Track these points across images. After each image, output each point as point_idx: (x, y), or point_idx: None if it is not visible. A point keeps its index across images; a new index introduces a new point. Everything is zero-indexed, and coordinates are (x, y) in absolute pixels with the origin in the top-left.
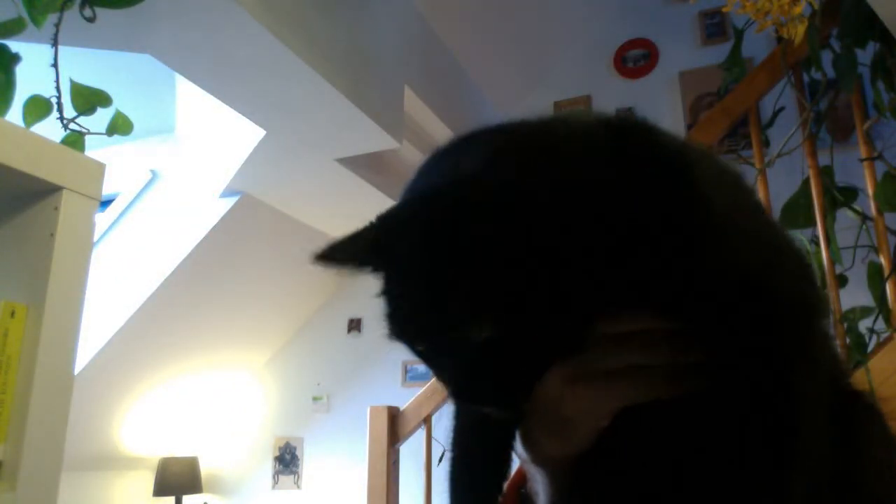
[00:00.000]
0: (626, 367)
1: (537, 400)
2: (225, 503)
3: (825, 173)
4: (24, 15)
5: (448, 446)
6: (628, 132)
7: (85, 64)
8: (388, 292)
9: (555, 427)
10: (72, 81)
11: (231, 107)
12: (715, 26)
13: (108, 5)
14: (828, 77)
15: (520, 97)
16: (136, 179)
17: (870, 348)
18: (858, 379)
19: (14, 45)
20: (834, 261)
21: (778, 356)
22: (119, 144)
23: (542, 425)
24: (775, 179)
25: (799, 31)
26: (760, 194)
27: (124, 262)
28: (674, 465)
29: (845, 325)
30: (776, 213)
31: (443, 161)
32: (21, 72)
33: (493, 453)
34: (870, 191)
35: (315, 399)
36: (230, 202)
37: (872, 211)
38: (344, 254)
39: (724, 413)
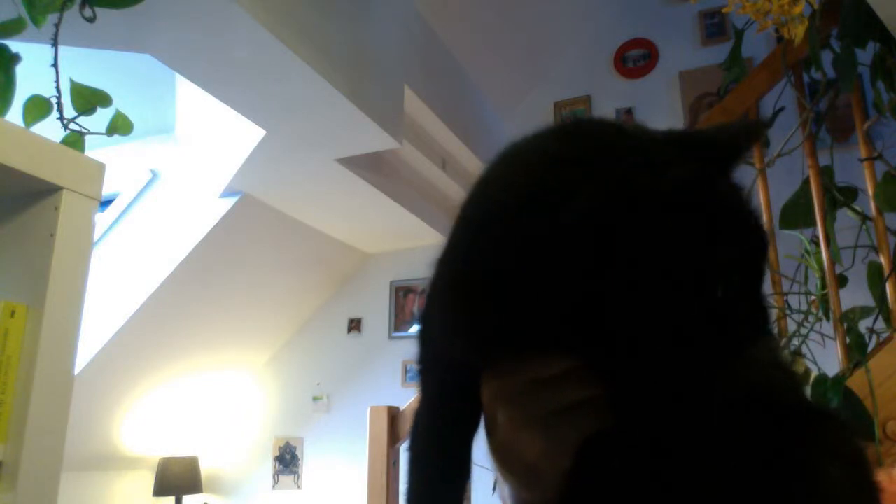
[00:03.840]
0: (564, 406)
1: (504, 452)
2: (225, 503)
3: (825, 173)
4: (24, 15)
5: (407, 463)
6: None
7: (85, 64)
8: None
9: (524, 476)
10: (72, 81)
11: (231, 107)
12: (715, 26)
13: (108, 5)
14: (828, 77)
15: (520, 97)
16: (136, 179)
17: (870, 348)
18: (858, 379)
19: (14, 45)
20: (834, 261)
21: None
22: (119, 144)
23: (516, 477)
24: (775, 179)
25: (799, 31)
26: (760, 194)
27: (124, 262)
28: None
29: (845, 325)
30: (776, 214)
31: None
32: (21, 72)
33: (455, 452)
34: (870, 191)
35: (315, 399)
36: (230, 202)
37: (872, 211)
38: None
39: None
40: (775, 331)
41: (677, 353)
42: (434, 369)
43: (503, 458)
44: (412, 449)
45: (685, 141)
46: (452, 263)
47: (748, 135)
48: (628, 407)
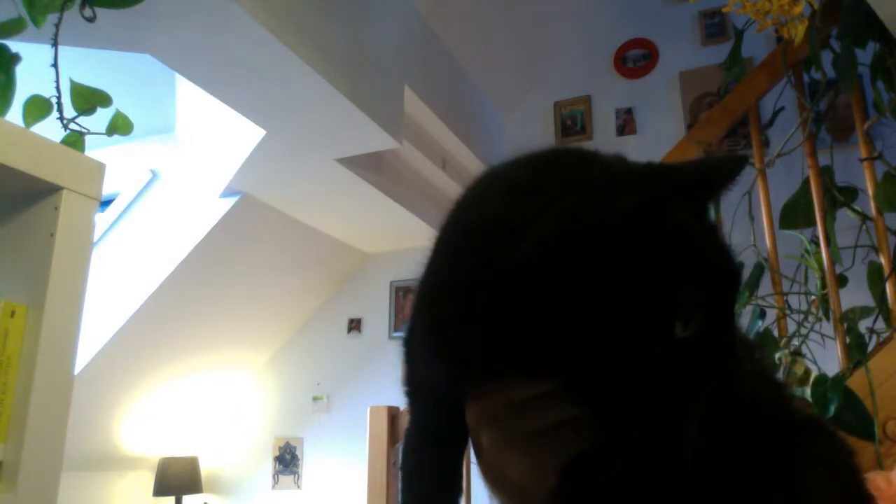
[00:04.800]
0: (548, 426)
1: (491, 472)
2: (225, 503)
3: (825, 173)
4: (24, 15)
5: (400, 481)
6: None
7: (85, 64)
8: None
9: (513, 496)
10: (72, 81)
11: (231, 107)
12: (715, 26)
13: (108, 5)
14: (828, 77)
15: (520, 97)
16: (136, 179)
17: (870, 348)
18: (858, 379)
19: (14, 45)
20: (834, 261)
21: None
22: (119, 144)
23: (505, 496)
24: (775, 179)
25: (799, 31)
26: (760, 194)
27: (124, 262)
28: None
29: (845, 325)
30: (776, 213)
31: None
32: (21, 72)
33: (446, 470)
34: (870, 191)
35: (315, 399)
36: (230, 202)
37: (872, 211)
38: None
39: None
40: (775, 332)
41: (647, 377)
42: (420, 390)
43: (491, 478)
44: (404, 467)
45: (656, 174)
46: (429, 289)
47: (724, 170)
48: (610, 426)
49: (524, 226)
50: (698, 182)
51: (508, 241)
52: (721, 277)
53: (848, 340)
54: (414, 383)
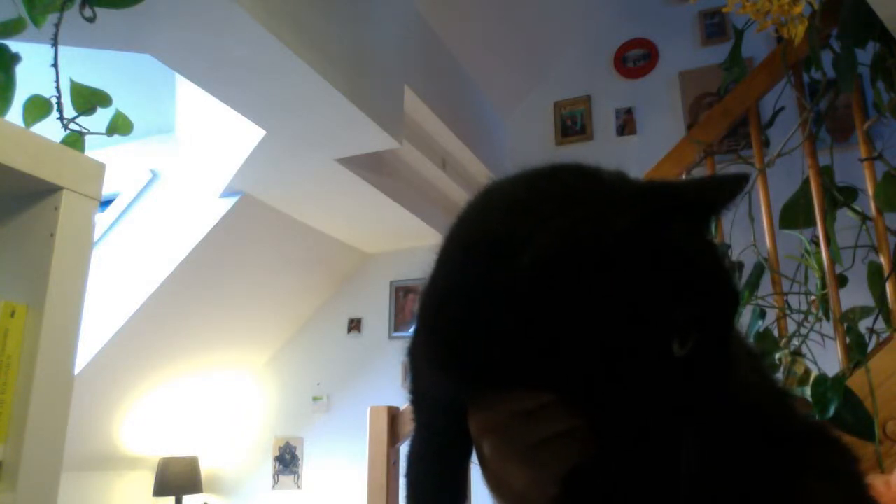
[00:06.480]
0: (549, 437)
1: (494, 481)
2: (225, 503)
3: (825, 173)
4: (24, 15)
5: (404, 488)
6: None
7: (85, 64)
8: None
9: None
10: (72, 81)
11: (231, 107)
12: (715, 26)
13: (108, 5)
14: (828, 77)
15: (520, 97)
16: (136, 179)
17: (870, 348)
18: (858, 379)
19: (14, 45)
20: (834, 261)
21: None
22: (119, 144)
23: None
24: (775, 179)
25: (799, 31)
26: (760, 194)
27: (124, 262)
28: None
29: (845, 325)
30: (776, 213)
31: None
32: (21, 72)
33: (449, 479)
34: (870, 191)
35: (315, 399)
36: (230, 202)
37: (872, 211)
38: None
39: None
40: (776, 332)
41: (645, 391)
42: (425, 398)
43: (494, 486)
44: (408, 475)
45: (655, 192)
46: (431, 301)
47: (724, 190)
48: (610, 436)
49: (523, 242)
50: (697, 203)
51: (508, 257)
52: (719, 297)
53: (848, 340)
54: (418, 392)
